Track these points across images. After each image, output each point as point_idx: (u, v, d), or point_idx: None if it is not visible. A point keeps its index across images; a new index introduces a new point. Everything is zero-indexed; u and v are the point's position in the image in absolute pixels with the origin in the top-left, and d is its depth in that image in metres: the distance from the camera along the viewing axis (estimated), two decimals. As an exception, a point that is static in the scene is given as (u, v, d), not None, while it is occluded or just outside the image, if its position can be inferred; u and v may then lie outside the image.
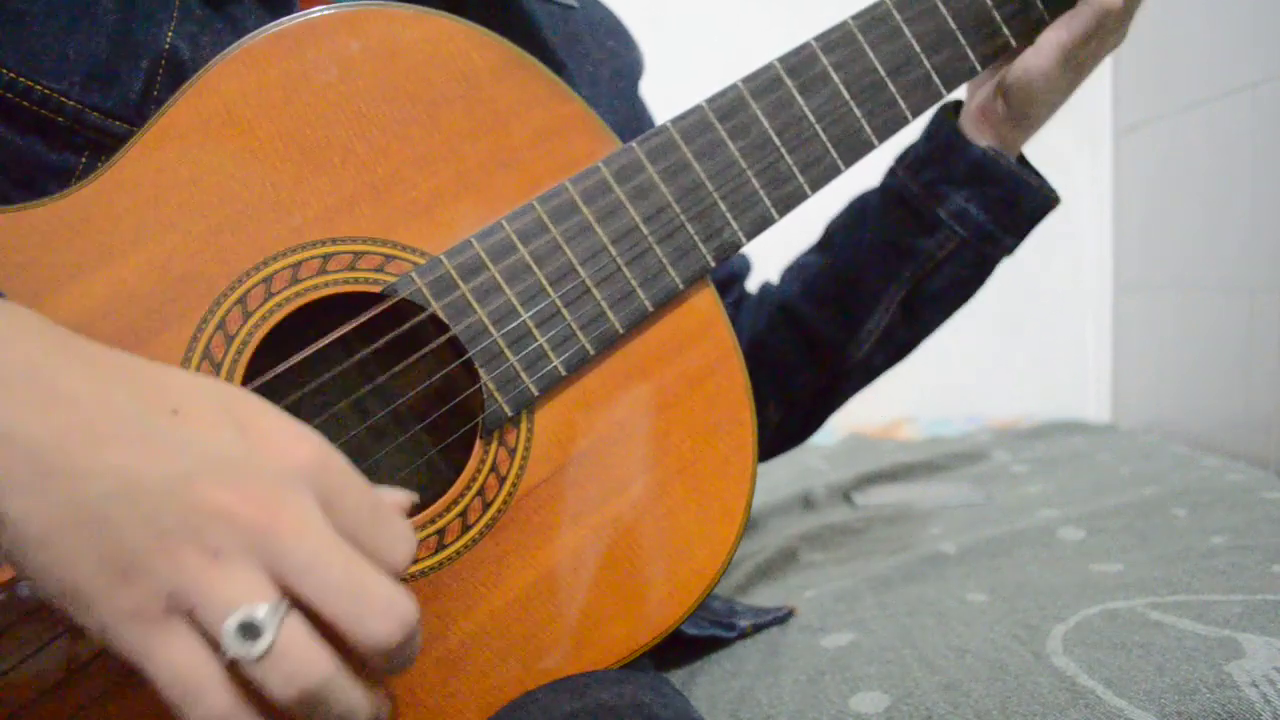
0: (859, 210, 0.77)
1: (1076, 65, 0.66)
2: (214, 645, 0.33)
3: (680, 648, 0.73)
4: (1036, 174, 0.72)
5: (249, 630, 0.33)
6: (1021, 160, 0.72)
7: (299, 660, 0.33)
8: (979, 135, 0.71)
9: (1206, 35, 1.40)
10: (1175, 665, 0.56)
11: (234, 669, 0.33)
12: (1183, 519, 0.89)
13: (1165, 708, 0.52)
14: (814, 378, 0.78)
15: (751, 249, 0.66)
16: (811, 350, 0.77)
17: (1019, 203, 0.71)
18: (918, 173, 0.72)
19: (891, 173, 0.74)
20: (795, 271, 0.80)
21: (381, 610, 0.34)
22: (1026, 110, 0.68)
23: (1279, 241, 1.24)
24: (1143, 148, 1.64)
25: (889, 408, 1.75)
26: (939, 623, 0.69)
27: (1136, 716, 0.52)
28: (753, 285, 0.84)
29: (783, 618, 0.75)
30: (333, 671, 0.34)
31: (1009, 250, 0.73)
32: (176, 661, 0.33)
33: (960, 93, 0.72)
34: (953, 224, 0.71)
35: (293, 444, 0.35)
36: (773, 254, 0.83)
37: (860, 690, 0.60)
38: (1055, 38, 0.65)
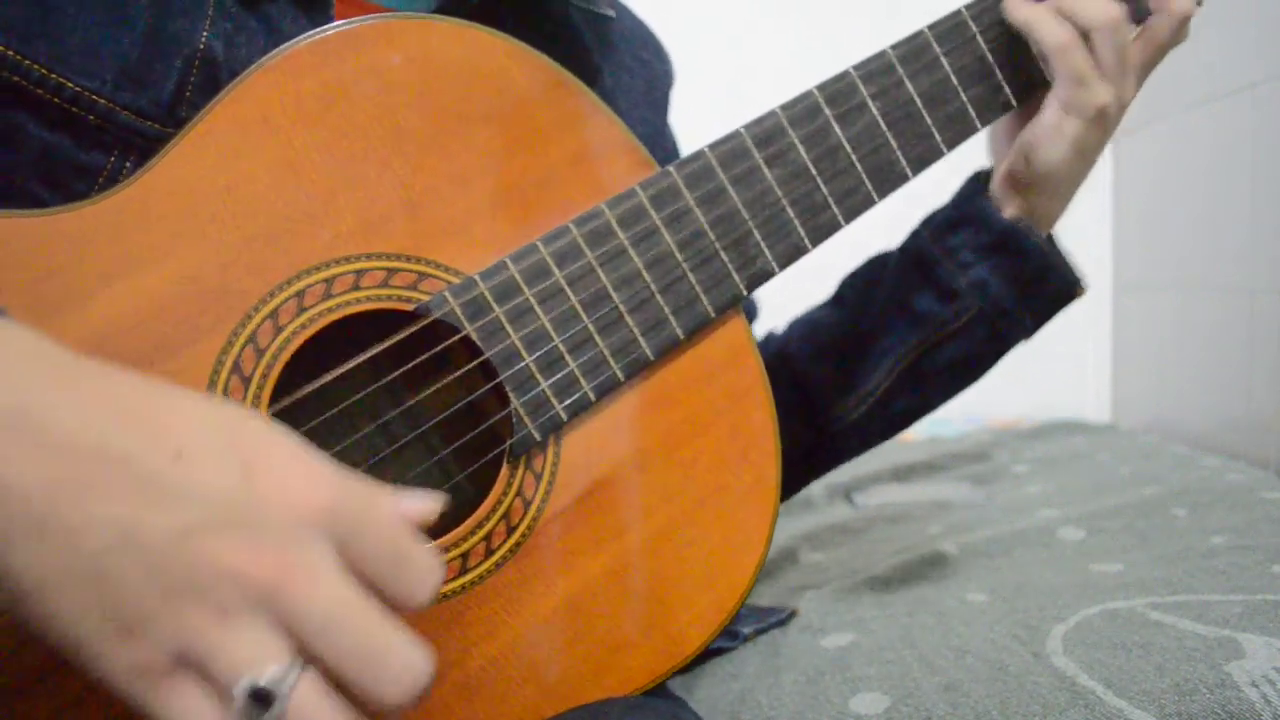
0: (876, 268, 0.74)
1: (1088, 120, 0.63)
2: (224, 698, 0.32)
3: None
4: (1064, 256, 0.69)
5: (260, 697, 0.32)
6: (1050, 240, 0.69)
7: None
8: (1008, 206, 0.67)
9: (1206, 35, 1.39)
10: (1175, 665, 0.56)
11: None
12: (1183, 519, 0.89)
13: (1165, 708, 0.52)
14: (801, 431, 0.74)
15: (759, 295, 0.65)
16: (803, 401, 0.74)
17: (1042, 281, 0.68)
18: (941, 237, 0.69)
19: (915, 234, 0.71)
20: (801, 323, 0.77)
21: (396, 675, 0.33)
22: (1049, 175, 0.65)
23: (1279, 241, 1.24)
24: (1143, 148, 1.64)
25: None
26: (939, 623, 0.69)
27: (1136, 716, 0.52)
28: (758, 329, 0.82)
29: (784, 619, 0.75)
30: None
31: (1026, 332, 0.69)
32: (184, 716, 0.32)
33: (983, 157, 0.71)
34: (971, 293, 0.68)
35: (304, 490, 0.34)
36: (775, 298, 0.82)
37: (860, 691, 0.60)
38: (1055, 93, 0.62)
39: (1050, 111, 0.63)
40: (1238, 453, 1.26)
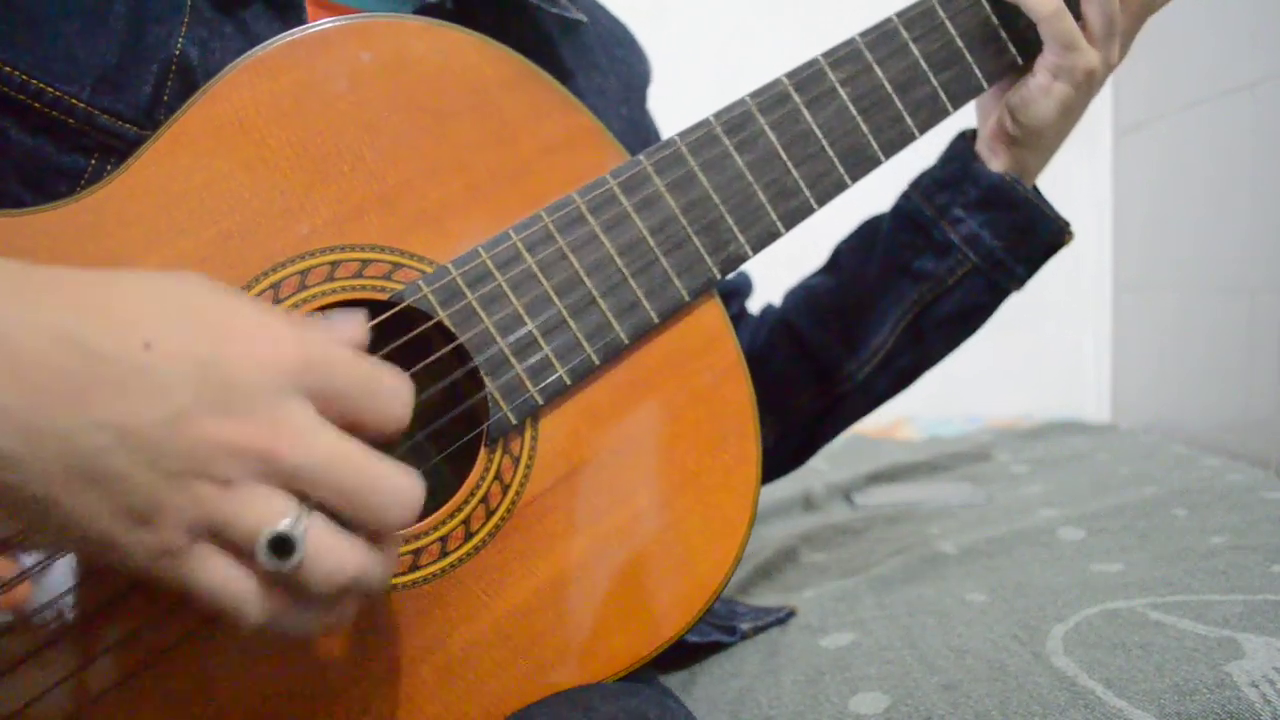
0: (869, 232, 0.76)
1: (1077, 83, 0.65)
2: (246, 557, 0.35)
3: (680, 650, 0.72)
4: (1050, 206, 0.71)
5: (280, 545, 0.35)
6: (1036, 191, 0.72)
7: (332, 560, 0.36)
8: (994, 161, 0.70)
9: (1206, 35, 1.40)
10: (1175, 665, 0.56)
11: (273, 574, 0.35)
12: (1183, 519, 0.89)
13: (1165, 708, 0.52)
14: (813, 398, 0.77)
15: (756, 272, 0.65)
16: (812, 369, 0.76)
17: (1032, 230, 0.70)
18: (931, 196, 0.71)
19: (905, 196, 0.73)
20: (800, 292, 0.79)
21: (392, 498, 0.37)
22: (1036, 132, 0.67)
23: (1279, 241, 1.24)
24: (1143, 148, 1.64)
25: (889, 408, 1.74)
26: (939, 623, 0.69)
27: (1136, 717, 0.52)
28: (754, 305, 0.84)
29: (783, 618, 0.75)
30: (362, 559, 0.37)
31: (1019, 281, 0.72)
32: (215, 580, 0.35)
33: (972, 119, 0.72)
34: (964, 248, 0.70)
35: (271, 350, 0.36)
36: (775, 274, 0.82)
37: (860, 691, 0.60)
38: (1044, 57, 0.64)
39: (1040, 75, 0.65)
40: (1238, 453, 1.26)
